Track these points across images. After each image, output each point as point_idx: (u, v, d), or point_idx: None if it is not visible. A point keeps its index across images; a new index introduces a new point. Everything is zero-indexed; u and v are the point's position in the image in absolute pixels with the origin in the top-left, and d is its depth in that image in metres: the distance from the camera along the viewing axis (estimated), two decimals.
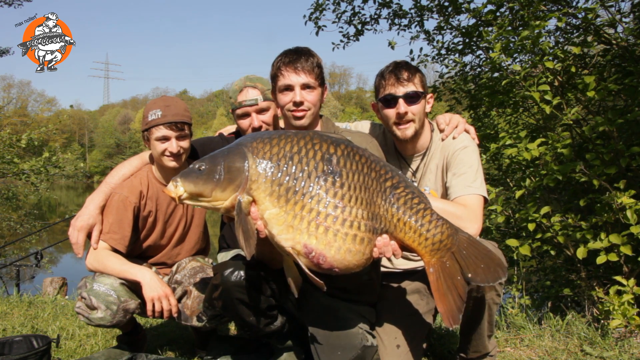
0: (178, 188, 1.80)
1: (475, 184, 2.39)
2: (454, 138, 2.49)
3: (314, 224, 1.75)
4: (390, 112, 2.46)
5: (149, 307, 2.48)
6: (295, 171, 1.79)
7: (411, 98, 2.42)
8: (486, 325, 2.37)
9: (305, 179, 1.78)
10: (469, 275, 1.91)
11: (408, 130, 2.46)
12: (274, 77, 2.42)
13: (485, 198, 2.40)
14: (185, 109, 2.66)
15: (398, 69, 2.45)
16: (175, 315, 2.56)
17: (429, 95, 2.55)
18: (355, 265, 1.84)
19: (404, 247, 1.94)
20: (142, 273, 2.50)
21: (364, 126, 2.82)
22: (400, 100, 2.42)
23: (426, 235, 1.89)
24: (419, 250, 1.92)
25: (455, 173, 2.43)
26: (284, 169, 1.79)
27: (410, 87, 2.43)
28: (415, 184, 2.56)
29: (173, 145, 2.57)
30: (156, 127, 2.57)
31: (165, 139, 2.58)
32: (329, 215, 1.76)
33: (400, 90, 2.43)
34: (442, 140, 2.54)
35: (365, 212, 1.81)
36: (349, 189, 1.80)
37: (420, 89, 2.46)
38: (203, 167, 1.81)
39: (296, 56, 2.37)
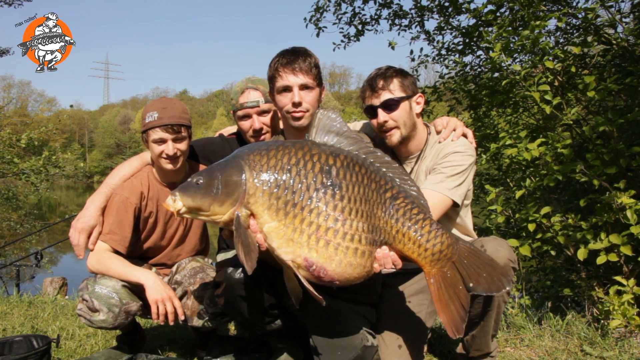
0: (177, 202, 1.77)
1: (446, 184, 2.35)
2: (452, 141, 2.49)
3: (314, 238, 1.72)
4: (374, 122, 2.48)
5: (153, 309, 2.44)
6: (294, 184, 1.75)
7: (389, 106, 2.42)
8: (492, 324, 2.37)
9: (304, 191, 1.75)
10: (471, 284, 1.89)
11: (393, 137, 2.46)
12: (272, 79, 2.40)
13: (453, 202, 2.35)
14: (183, 110, 2.63)
15: (373, 79, 2.45)
16: (182, 318, 2.52)
17: (416, 96, 2.51)
18: (356, 278, 1.82)
19: (404, 258, 1.91)
20: (145, 276, 2.49)
21: (362, 127, 2.81)
22: (379, 110, 2.42)
23: (425, 245, 1.87)
24: (419, 261, 1.90)
25: (432, 171, 2.43)
26: (282, 181, 1.76)
27: (386, 95, 2.42)
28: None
29: (169, 148, 2.56)
30: (153, 130, 2.56)
31: (162, 141, 2.57)
32: (329, 228, 1.73)
33: (376, 101, 2.43)
34: (439, 142, 2.54)
35: (366, 225, 1.79)
36: (349, 201, 1.77)
37: (401, 94, 2.43)
38: (201, 181, 1.78)
39: (294, 57, 2.35)
